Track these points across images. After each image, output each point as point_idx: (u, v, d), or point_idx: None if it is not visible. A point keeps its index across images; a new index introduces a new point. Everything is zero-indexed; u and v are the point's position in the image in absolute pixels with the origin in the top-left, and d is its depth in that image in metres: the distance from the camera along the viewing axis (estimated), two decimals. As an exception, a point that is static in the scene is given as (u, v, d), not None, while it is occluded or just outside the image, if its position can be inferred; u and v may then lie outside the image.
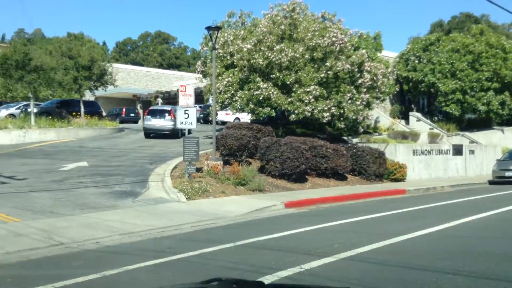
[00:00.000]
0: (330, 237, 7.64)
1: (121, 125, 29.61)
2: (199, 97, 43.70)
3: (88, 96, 34.68)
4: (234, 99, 18.36)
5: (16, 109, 27.90)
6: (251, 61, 17.81)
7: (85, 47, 26.72)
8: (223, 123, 32.82)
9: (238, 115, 34.96)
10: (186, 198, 11.58)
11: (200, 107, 39.52)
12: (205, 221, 9.32)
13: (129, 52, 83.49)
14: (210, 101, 41.31)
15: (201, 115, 37.55)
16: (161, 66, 74.17)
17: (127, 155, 17.79)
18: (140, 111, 43.48)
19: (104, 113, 32.01)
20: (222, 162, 14.97)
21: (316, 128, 24.04)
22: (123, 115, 39.25)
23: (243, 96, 17.85)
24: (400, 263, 5.76)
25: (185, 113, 13.30)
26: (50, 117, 24.23)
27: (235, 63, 19.11)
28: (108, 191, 11.80)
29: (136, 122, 40.36)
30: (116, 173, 14.18)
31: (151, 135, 23.89)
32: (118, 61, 64.15)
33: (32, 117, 22.63)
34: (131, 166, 15.45)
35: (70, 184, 12.41)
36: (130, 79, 53.27)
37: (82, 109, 26.97)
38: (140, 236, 7.79)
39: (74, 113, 26.69)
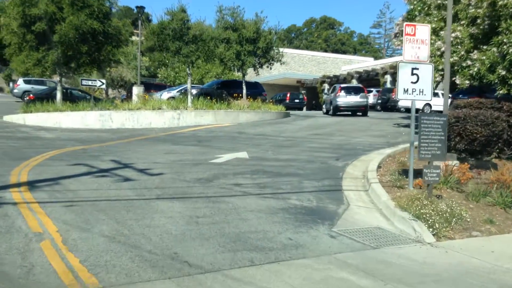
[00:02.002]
0: None
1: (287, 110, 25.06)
2: (374, 80, 37.19)
3: (253, 78, 31.22)
4: (464, 64, 11.79)
5: (177, 91, 25.66)
6: (498, 3, 11.01)
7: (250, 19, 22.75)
8: (407, 110, 25.93)
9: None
10: (433, 235, 5.78)
11: (377, 91, 33.12)
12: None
13: (292, 40, 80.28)
14: (388, 84, 34.61)
15: (379, 101, 31.14)
16: (325, 52, 69.01)
17: (299, 145, 12.83)
18: (306, 97, 38.87)
19: (267, 98, 28.08)
20: (458, 162, 8.86)
21: None
22: (287, 101, 35.10)
23: (484, 57, 11.17)
24: None
25: (412, 74, 7.39)
26: (209, 98, 20.81)
27: (458, 15, 12.58)
28: (280, 205, 6.73)
29: (300, 108, 35.88)
30: (288, 171, 9.16)
31: (342, 112, 24.06)
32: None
33: (189, 97, 19.30)
34: (308, 161, 10.32)
35: (220, 186, 7.71)
36: (294, 64, 49.27)
37: (244, 90, 23.14)
38: None
39: (235, 95, 23.03)
